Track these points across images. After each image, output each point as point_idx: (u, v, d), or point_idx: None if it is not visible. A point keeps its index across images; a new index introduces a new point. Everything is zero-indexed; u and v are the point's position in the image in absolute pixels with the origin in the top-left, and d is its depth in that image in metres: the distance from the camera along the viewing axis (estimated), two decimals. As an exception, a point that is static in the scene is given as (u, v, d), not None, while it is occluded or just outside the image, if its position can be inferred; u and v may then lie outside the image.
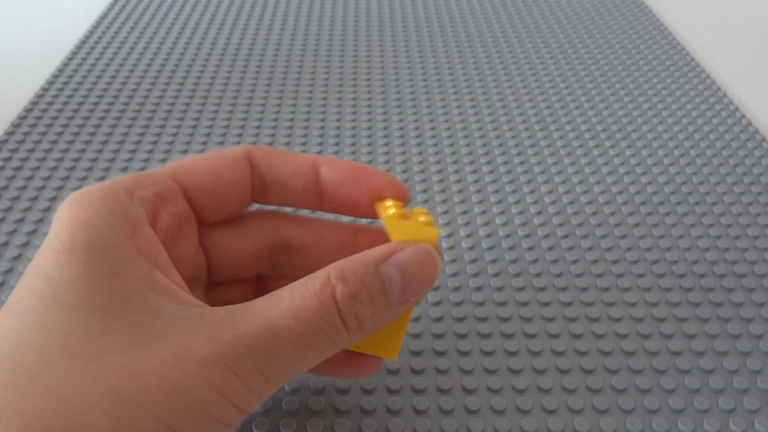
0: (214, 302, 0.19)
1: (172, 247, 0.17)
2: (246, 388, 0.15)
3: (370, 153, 0.35)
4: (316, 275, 0.16)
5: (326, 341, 0.16)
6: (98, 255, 0.15)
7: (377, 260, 0.16)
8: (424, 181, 0.33)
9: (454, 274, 0.27)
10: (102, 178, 0.32)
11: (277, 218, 0.20)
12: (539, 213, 0.31)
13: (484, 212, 0.31)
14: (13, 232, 0.29)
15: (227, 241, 0.20)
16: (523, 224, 0.30)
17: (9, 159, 0.34)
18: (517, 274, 0.27)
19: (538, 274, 0.27)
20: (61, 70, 0.41)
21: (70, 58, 0.43)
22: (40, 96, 0.39)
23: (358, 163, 0.20)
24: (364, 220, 0.28)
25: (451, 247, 0.29)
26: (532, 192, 0.32)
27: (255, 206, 0.21)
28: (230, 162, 0.19)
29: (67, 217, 0.15)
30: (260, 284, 0.22)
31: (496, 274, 0.27)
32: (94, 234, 0.15)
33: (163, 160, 0.34)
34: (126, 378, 0.13)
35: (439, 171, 0.33)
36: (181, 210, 0.18)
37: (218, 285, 0.21)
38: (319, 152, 0.35)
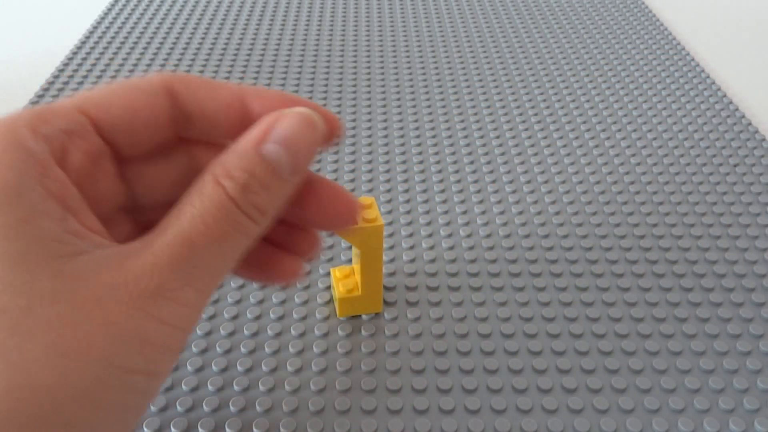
0: (144, 227, 0.18)
1: (88, 186, 0.16)
2: (181, 306, 0.15)
3: (370, 153, 0.35)
4: (204, 178, 0.16)
5: (238, 236, 0.16)
6: (8, 202, 0.14)
7: (255, 144, 0.16)
8: (424, 181, 0.33)
9: (455, 274, 0.27)
10: (102, 178, 0.32)
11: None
12: (539, 213, 0.31)
13: (483, 212, 0.31)
14: (13, 232, 0.29)
15: (149, 174, 0.19)
16: (523, 224, 0.30)
17: (9, 159, 0.34)
18: (517, 274, 0.27)
19: (538, 274, 0.27)
20: (61, 70, 0.41)
21: (70, 58, 0.43)
22: (40, 96, 0.39)
23: (289, 93, 0.19)
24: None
25: (451, 248, 0.29)
26: (531, 192, 0.32)
27: None
28: (145, 93, 0.17)
29: None
30: None
31: (496, 274, 0.27)
32: (5, 176, 0.14)
33: (163, 160, 0.34)
34: (62, 328, 0.13)
35: (439, 171, 0.33)
36: (93, 146, 0.16)
37: (146, 209, 0.20)
38: (319, 152, 0.35)
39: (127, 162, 0.18)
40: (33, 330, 0.13)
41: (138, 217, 0.19)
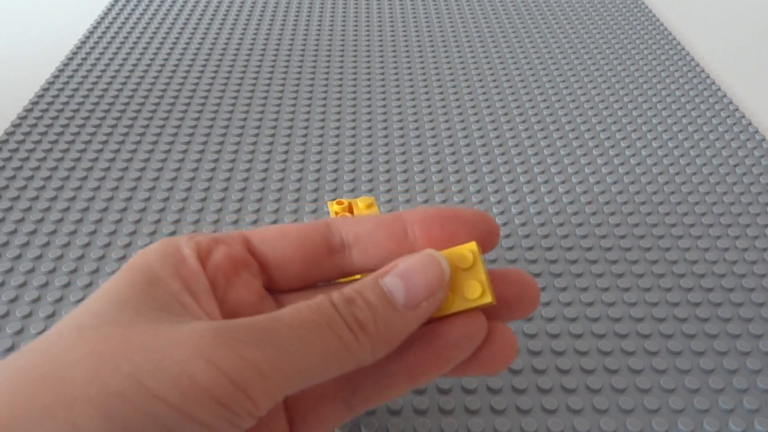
0: None
1: (225, 285, 0.18)
2: (241, 358, 0.14)
3: (370, 153, 0.35)
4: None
5: (330, 335, 0.15)
6: (142, 273, 0.16)
7: (376, 276, 0.17)
8: (424, 181, 0.33)
9: (454, 274, 0.27)
10: (102, 178, 0.32)
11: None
12: (539, 213, 0.31)
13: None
14: (14, 232, 0.29)
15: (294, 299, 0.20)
16: (523, 224, 0.30)
17: (9, 159, 0.34)
18: (517, 274, 0.27)
19: (538, 274, 0.27)
20: (61, 70, 0.41)
21: (70, 58, 0.43)
22: (40, 96, 0.39)
23: (448, 207, 0.19)
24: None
25: (451, 247, 0.29)
26: (531, 192, 0.32)
27: None
28: (301, 224, 0.19)
29: (143, 249, 0.18)
30: None
31: (496, 274, 0.27)
32: (152, 258, 0.17)
33: (163, 160, 0.34)
34: (114, 342, 0.14)
35: (439, 171, 0.33)
36: (236, 252, 0.18)
37: None
38: (319, 152, 0.35)
39: (281, 286, 0.19)
40: (92, 339, 0.14)
41: None
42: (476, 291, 0.17)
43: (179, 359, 0.13)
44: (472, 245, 0.17)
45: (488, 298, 0.17)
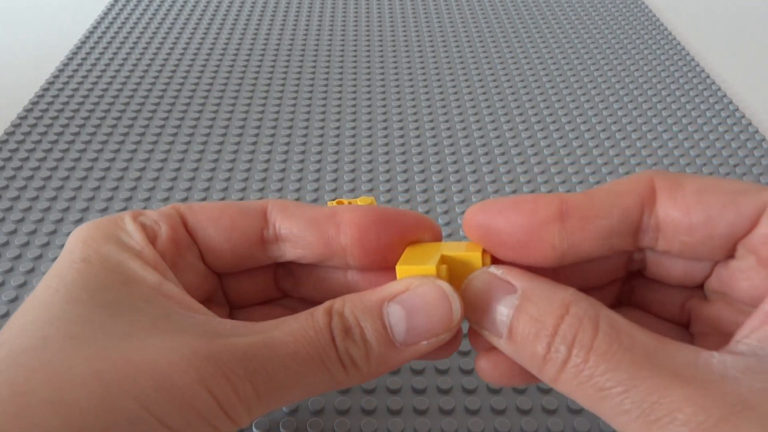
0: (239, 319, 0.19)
1: (171, 268, 0.17)
2: (235, 394, 0.14)
3: (369, 153, 0.35)
4: (323, 304, 0.16)
5: (322, 370, 0.15)
6: (111, 266, 0.16)
7: (382, 300, 0.16)
8: (424, 181, 0.33)
9: (454, 274, 0.27)
10: (102, 178, 0.32)
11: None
12: (539, 213, 0.31)
13: (484, 212, 0.31)
14: (14, 232, 0.29)
15: (237, 281, 0.20)
16: (523, 224, 0.30)
17: (9, 159, 0.34)
18: (517, 274, 0.27)
19: (538, 274, 0.27)
20: (61, 70, 0.41)
21: (70, 58, 0.43)
22: (40, 96, 0.39)
23: (380, 207, 0.18)
24: None
25: (451, 247, 0.29)
26: (532, 192, 0.32)
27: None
28: (240, 206, 0.18)
29: (80, 236, 0.17)
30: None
31: (496, 274, 0.27)
32: (106, 249, 0.16)
33: (163, 160, 0.34)
34: (115, 362, 0.14)
35: (439, 171, 0.33)
36: (178, 235, 0.18)
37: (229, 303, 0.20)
38: (319, 152, 0.35)
39: (218, 265, 0.19)
40: (90, 355, 0.14)
41: (233, 313, 0.20)
42: None
43: (181, 385, 0.14)
44: (477, 256, 0.16)
45: None
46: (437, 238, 0.18)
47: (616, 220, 0.15)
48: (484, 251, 0.16)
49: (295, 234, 0.18)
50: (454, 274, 0.16)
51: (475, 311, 0.16)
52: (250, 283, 0.20)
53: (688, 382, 0.13)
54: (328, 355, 0.15)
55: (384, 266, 0.18)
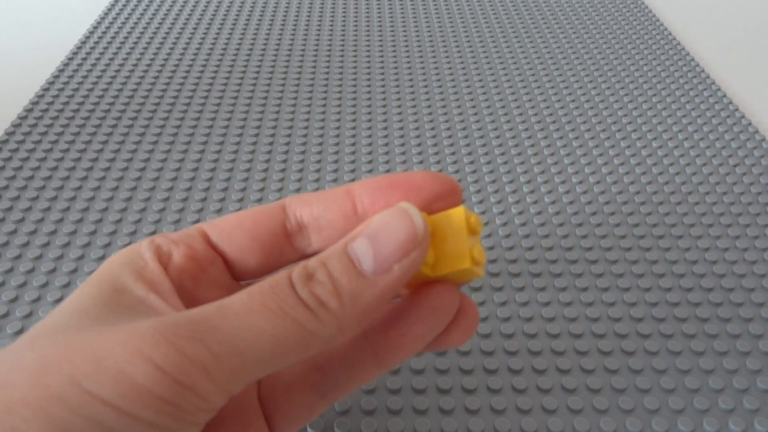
0: None
1: (192, 286, 0.17)
2: (181, 355, 0.13)
3: (369, 153, 0.35)
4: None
5: (284, 319, 0.14)
6: (115, 284, 0.16)
7: (345, 241, 0.15)
8: (424, 181, 0.33)
9: (454, 274, 0.27)
10: (102, 178, 0.32)
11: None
12: (539, 213, 0.31)
13: (484, 212, 0.31)
14: (14, 232, 0.29)
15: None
16: (523, 224, 0.30)
17: (9, 159, 0.34)
18: (517, 274, 0.27)
19: (538, 274, 0.27)
20: (61, 70, 0.41)
21: (70, 58, 0.43)
22: (40, 96, 0.39)
23: (395, 174, 0.18)
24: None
25: (451, 247, 0.29)
26: (531, 192, 0.32)
27: None
28: (260, 211, 0.18)
29: (107, 260, 0.18)
30: None
31: (496, 274, 0.27)
32: (118, 270, 0.17)
33: (163, 160, 0.34)
34: (60, 348, 0.14)
35: (439, 171, 0.33)
36: (197, 251, 0.18)
37: None
38: (319, 152, 0.35)
39: (246, 275, 0.19)
40: (42, 345, 0.14)
41: None
42: (460, 259, 0.15)
43: (118, 359, 0.13)
44: (460, 210, 0.16)
45: (466, 264, 0.15)
46: (453, 191, 0.17)
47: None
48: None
49: (316, 216, 0.18)
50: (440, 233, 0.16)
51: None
52: None
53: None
54: (287, 302, 0.14)
55: None
